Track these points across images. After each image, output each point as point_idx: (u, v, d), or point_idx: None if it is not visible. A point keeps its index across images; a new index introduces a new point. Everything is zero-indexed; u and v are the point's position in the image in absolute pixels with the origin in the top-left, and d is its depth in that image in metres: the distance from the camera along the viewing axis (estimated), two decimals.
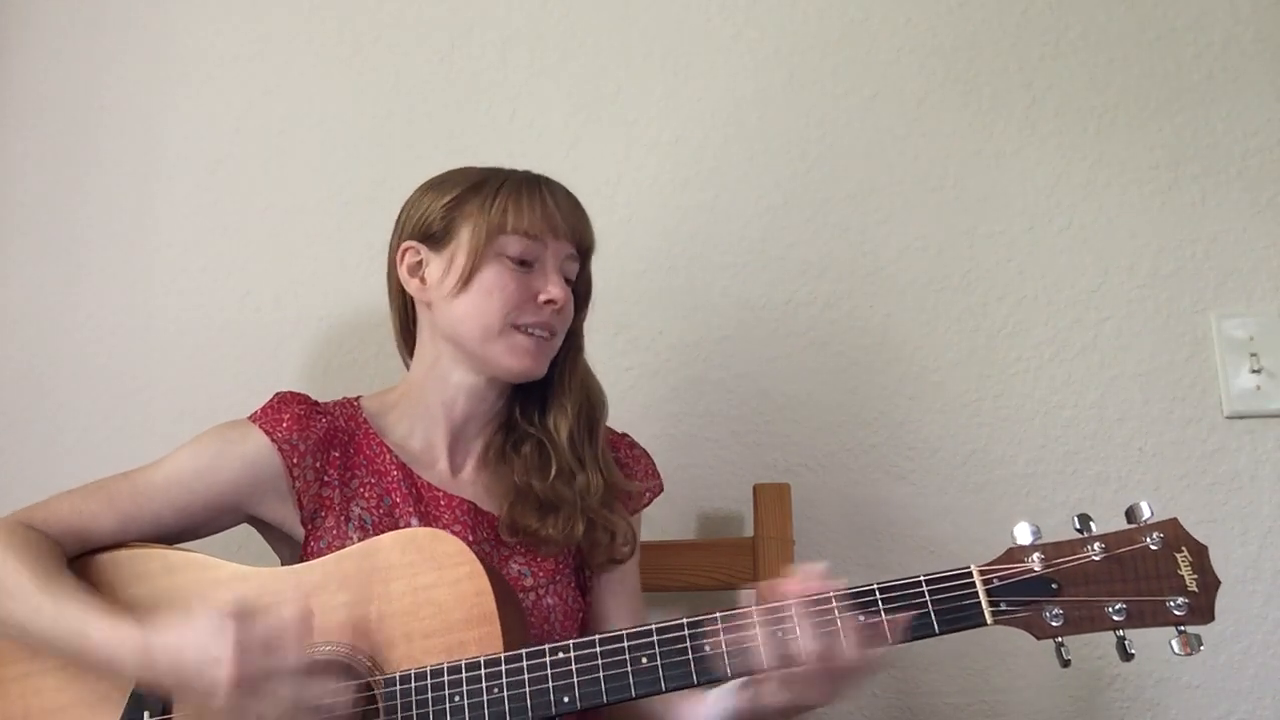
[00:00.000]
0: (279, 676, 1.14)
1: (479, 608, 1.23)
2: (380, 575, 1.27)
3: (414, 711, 1.20)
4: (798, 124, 1.95)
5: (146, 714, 1.25)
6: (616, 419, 1.55)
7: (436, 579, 1.25)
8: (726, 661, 1.16)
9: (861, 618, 1.14)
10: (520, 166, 1.50)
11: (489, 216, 1.43)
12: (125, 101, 2.03)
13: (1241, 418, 1.82)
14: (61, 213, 2.00)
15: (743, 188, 1.94)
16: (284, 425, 1.41)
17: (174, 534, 1.40)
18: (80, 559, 1.35)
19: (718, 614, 1.17)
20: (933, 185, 1.92)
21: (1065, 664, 1.13)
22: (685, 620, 1.18)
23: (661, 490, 1.56)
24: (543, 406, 1.50)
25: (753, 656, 1.15)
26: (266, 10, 2.04)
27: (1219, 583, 1.13)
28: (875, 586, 1.15)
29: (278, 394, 1.47)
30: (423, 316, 1.50)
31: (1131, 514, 1.15)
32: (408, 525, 1.39)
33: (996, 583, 1.14)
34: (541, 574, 1.42)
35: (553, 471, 1.44)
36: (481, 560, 1.27)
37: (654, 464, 1.57)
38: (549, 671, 1.18)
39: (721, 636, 1.16)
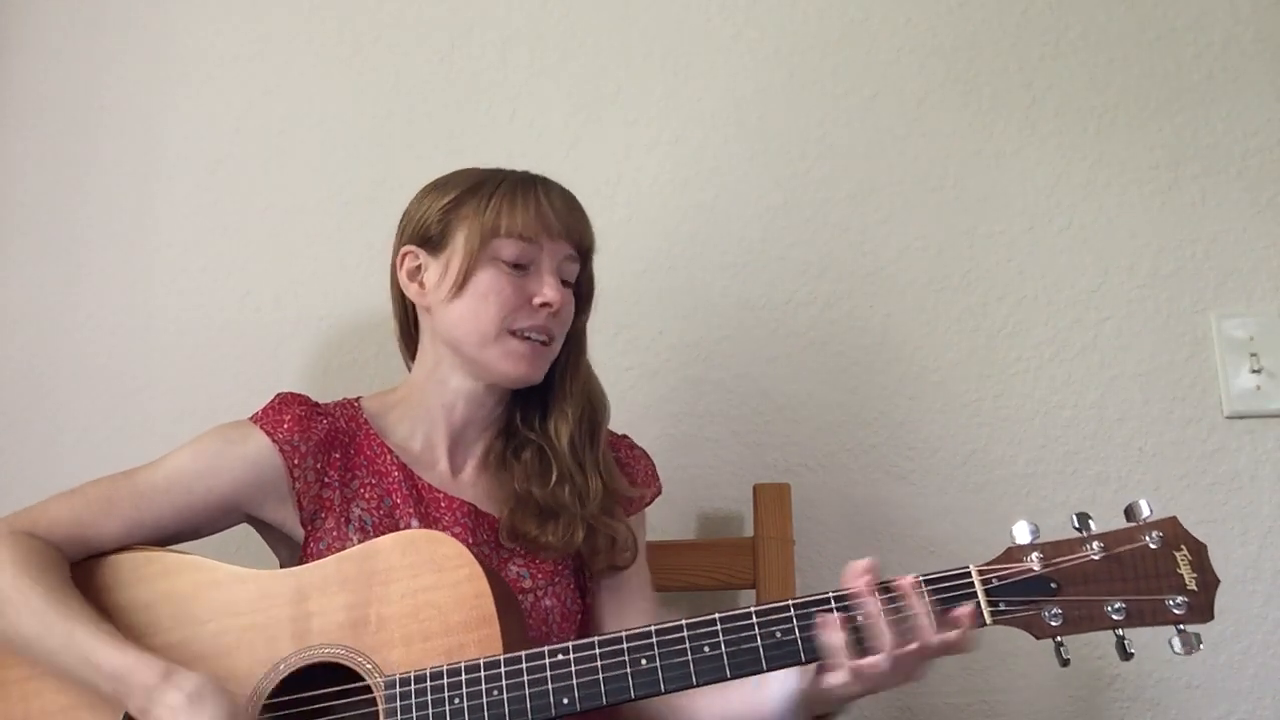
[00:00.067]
0: None
1: (478, 610, 1.23)
2: (380, 577, 1.27)
3: (414, 714, 1.19)
4: (798, 124, 1.95)
5: None
6: (616, 419, 1.54)
7: (436, 581, 1.25)
8: (725, 662, 1.16)
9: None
10: (520, 167, 1.50)
11: (483, 220, 1.42)
12: (125, 101, 2.03)
13: (1241, 418, 1.83)
14: (61, 213, 1.99)
15: (743, 188, 1.93)
16: (285, 426, 1.41)
17: (173, 535, 1.40)
18: (81, 563, 1.35)
19: (716, 615, 1.17)
20: (933, 185, 1.92)
21: (1064, 663, 1.13)
22: (684, 621, 1.18)
23: (660, 492, 1.56)
24: (544, 411, 1.49)
25: (752, 656, 1.15)
26: (266, 10, 2.04)
27: (1218, 581, 1.12)
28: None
29: (279, 395, 1.47)
30: (423, 321, 1.49)
31: (1131, 512, 1.15)
32: (408, 526, 1.39)
33: (995, 582, 1.14)
34: (540, 576, 1.42)
35: (553, 478, 1.44)
36: (481, 562, 1.26)
37: (653, 465, 1.57)
38: (548, 673, 1.18)
39: (721, 638, 1.16)
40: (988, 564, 1.15)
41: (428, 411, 1.49)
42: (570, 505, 1.42)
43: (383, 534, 1.34)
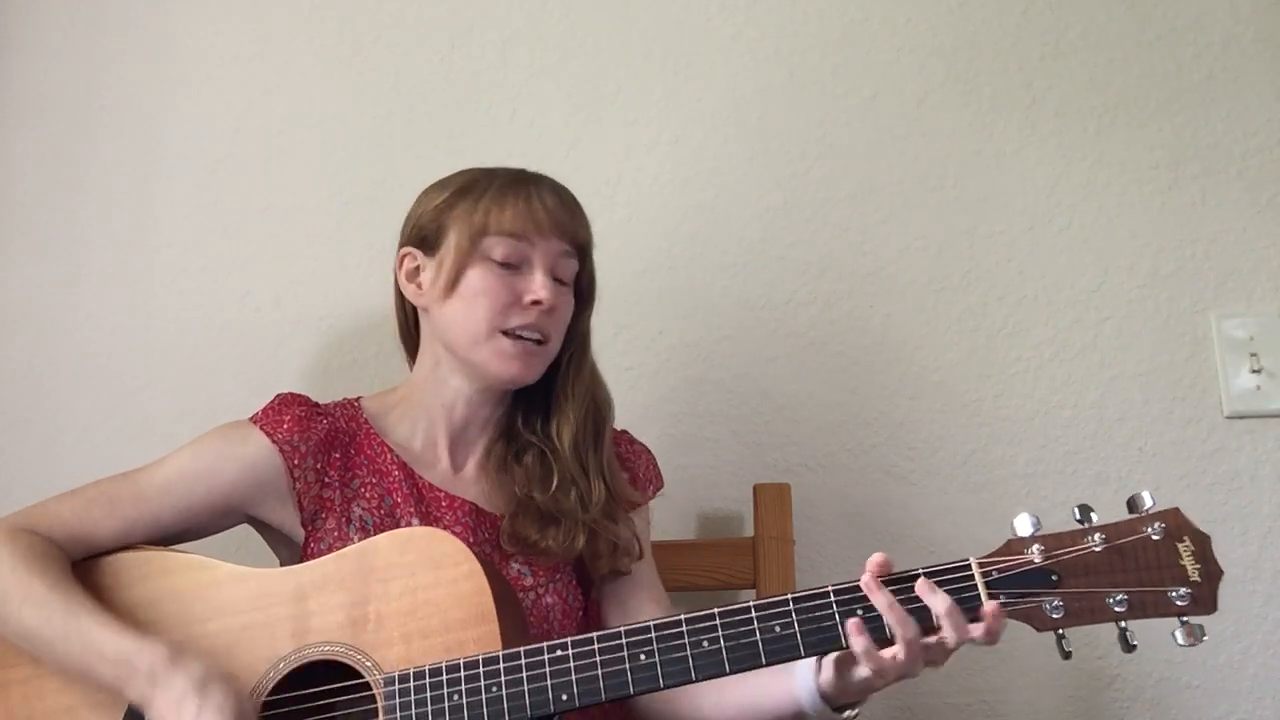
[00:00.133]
0: None
1: (477, 607, 1.23)
2: (378, 575, 1.27)
3: (413, 711, 1.20)
4: (798, 124, 1.95)
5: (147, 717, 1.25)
6: (616, 419, 1.54)
7: (435, 579, 1.25)
8: (724, 657, 1.15)
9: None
10: (521, 166, 1.50)
11: (473, 219, 1.42)
12: (125, 101, 2.03)
13: (1241, 418, 1.83)
14: (61, 213, 1.99)
15: (743, 188, 1.93)
16: (285, 426, 1.41)
17: (174, 535, 1.40)
18: (81, 562, 1.34)
19: (715, 610, 1.17)
20: (933, 185, 1.92)
21: (1066, 656, 1.13)
22: (683, 616, 1.18)
23: (662, 486, 1.56)
24: (546, 413, 1.48)
25: (751, 651, 1.15)
26: (266, 10, 2.04)
27: (1221, 572, 1.12)
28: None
29: (279, 395, 1.47)
30: (423, 321, 1.50)
31: (1133, 504, 1.14)
32: (408, 525, 1.39)
33: (996, 575, 1.14)
34: (542, 573, 1.42)
35: (554, 483, 1.43)
36: (481, 560, 1.26)
37: (654, 460, 1.57)
38: (547, 670, 1.18)
39: (720, 632, 1.16)
40: (988, 556, 1.15)
41: (428, 411, 1.48)
42: (571, 510, 1.42)
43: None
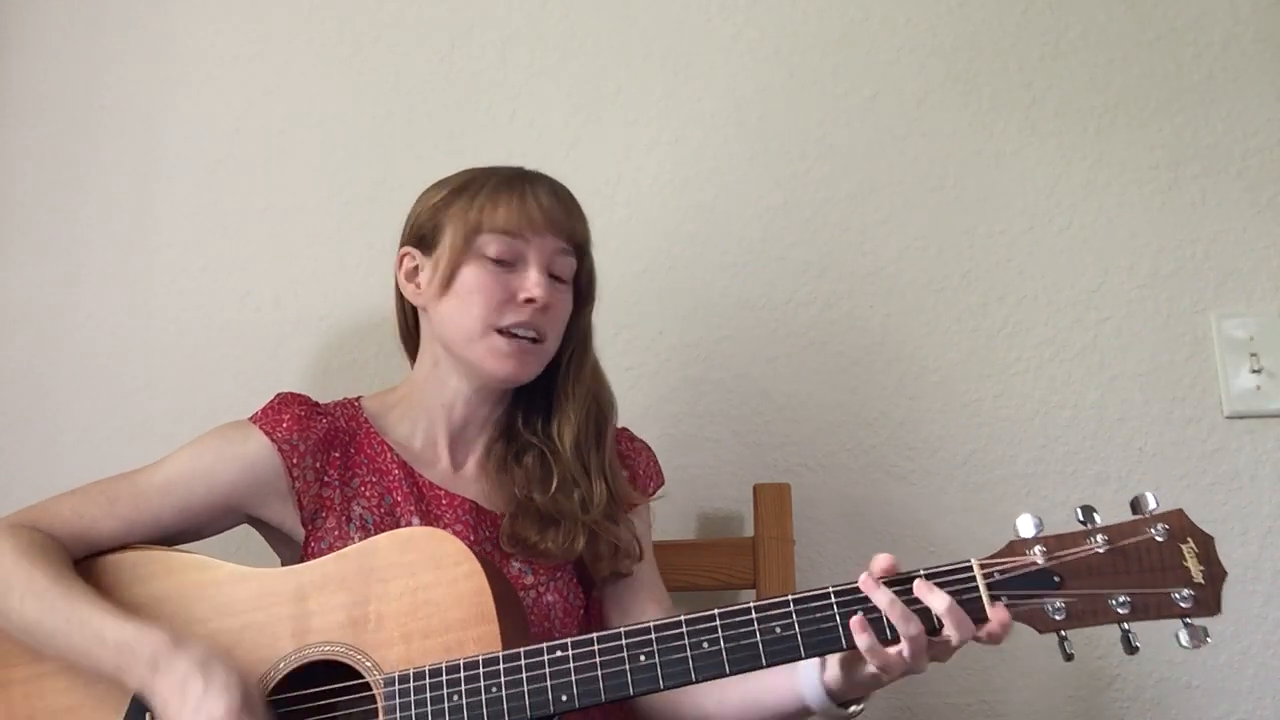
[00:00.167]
0: None
1: (477, 607, 1.23)
2: (379, 575, 1.27)
3: (413, 711, 1.20)
4: (798, 124, 1.95)
5: (149, 716, 1.25)
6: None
7: (435, 579, 1.25)
8: (725, 658, 1.15)
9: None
10: (521, 165, 1.50)
11: (468, 217, 1.41)
12: (125, 101, 2.02)
13: (1241, 418, 1.83)
14: (61, 213, 1.99)
15: (743, 188, 1.93)
16: (284, 426, 1.41)
17: (175, 535, 1.40)
18: (80, 562, 1.34)
19: (715, 611, 1.17)
20: (933, 185, 1.92)
21: (1069, 658, 1.12)
22: (684, 617, 1.18)
23: (663, 483, 1.56)
24: (547, 413, 1.48)
25: (751, 653, 1.15)
26: (266, 10, 2.04)
27: (1225, 574, 1.11)
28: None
29: (278, 395, 1.47)
30: (422, 321, 1.50)
31: (1136, 505, 1.14)
32: (409, 524, 1.39)
33: (997, 576, 1.13)
34: (542, 571, 1.42)
35: (554, 484, 1.43)
36: (481, 559, 1.26)
37: (655, 457, 1.57)
38: (547, 670, 1.18)
39: (720, 634, 1.16)
40: (989, 557, 1.15)
41: (428, 411, 1.48)
42: (571, 512, 1.41)
43: (384, 532, 1.34)
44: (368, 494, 1.42)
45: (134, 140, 2.01)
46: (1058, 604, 1.11)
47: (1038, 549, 1.13)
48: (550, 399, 1.48)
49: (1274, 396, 1.82)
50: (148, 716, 1.25)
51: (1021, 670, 1.76)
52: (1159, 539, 1.12)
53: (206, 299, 1.94)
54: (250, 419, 1.43)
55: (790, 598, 1.16)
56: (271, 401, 1.45)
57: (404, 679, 1.21)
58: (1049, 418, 1.85)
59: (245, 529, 1.46)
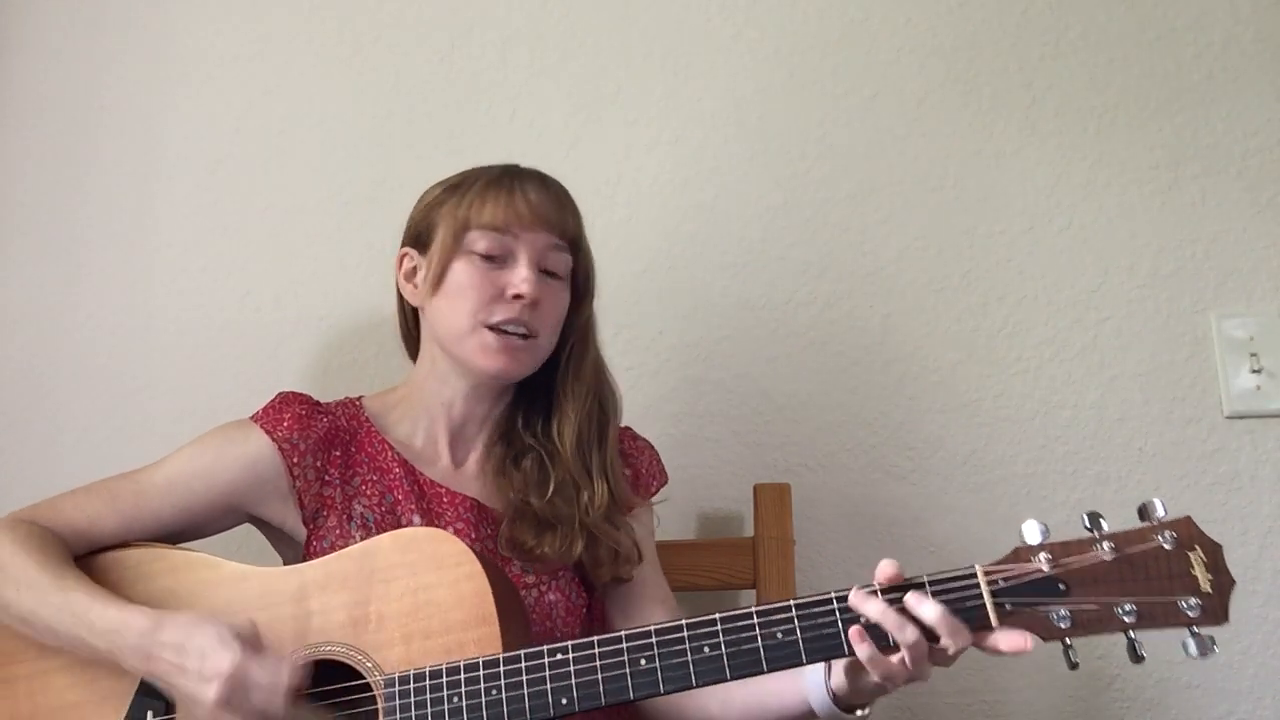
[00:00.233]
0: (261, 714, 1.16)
1: (479, 608, 1.23)
2: (380, 575, 1.27)
3: (413, 712, 1.20)
4: (798, 124, 1.95)
5: (150, 714, 1.26)
6: None
7: (436, 579, 1.25)
8: (725, 663, 1.15)
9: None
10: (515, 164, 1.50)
11: (458, 214, 1.42)
12: (125, 101, 2.02)
13: (1241, 418, 1.83)
14: (61, 213, 1.99)
15: (743, 188, 1.93)
16: (285, 425, 1.41)
17: (176, 534, 1.40)
18: (82, 559, 1.35)
19: (716, 615, 1.17)
20: (933, 185, 1.92)
21: (1073, 666, 1.11)
22: (685, 621, 1.17)
23: (666, 481, 1.57)
24: (547, 412, 1.48)
25: (752, 658, 1.15)
26: (266, 10, 2.04)
27: (1234, 583, 1.09)
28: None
29: (279, 394, 1.47)
30: (422, 320, 1.50)
31: (1144, 512, 1.12)
32: (410, 523, 1.39)
33: (1002, 583, 1.12)
34: (544, 570, 1.42)
35: (551, 488, 1.42)
36: (483, 559, 1.26)
37: (657, 455, 1.57)
38: (547, 673, 1.18)
39: (721, 638, 1.16)
40: (994, 564, 1.13)
41: (428, 410, 1.49)
42: (569, 516, 1.41)
43: (385, 531, 1.34)
44: (369, 493, 1.42)
45: (134, 140, 2.01)
46: (1063, 612, 1.10)
47: (1043, 556, 1.12)
48: (550, 397, 1.48)
49: (1274, 396, 1.82)
50: (149, 716, 1.25)
51: (1021, 670, 1.76)
52: (1167, 547, 1.10)
53: (206, 299, 1.94)
54: (251, 418, 1.43)
55: (792, 602, 1.16)
56: (272, 401, 1.46)
57: (404, 680, 1.21)
58: (1049, 418, 1.85)
59: (246, 528, 1.46)
